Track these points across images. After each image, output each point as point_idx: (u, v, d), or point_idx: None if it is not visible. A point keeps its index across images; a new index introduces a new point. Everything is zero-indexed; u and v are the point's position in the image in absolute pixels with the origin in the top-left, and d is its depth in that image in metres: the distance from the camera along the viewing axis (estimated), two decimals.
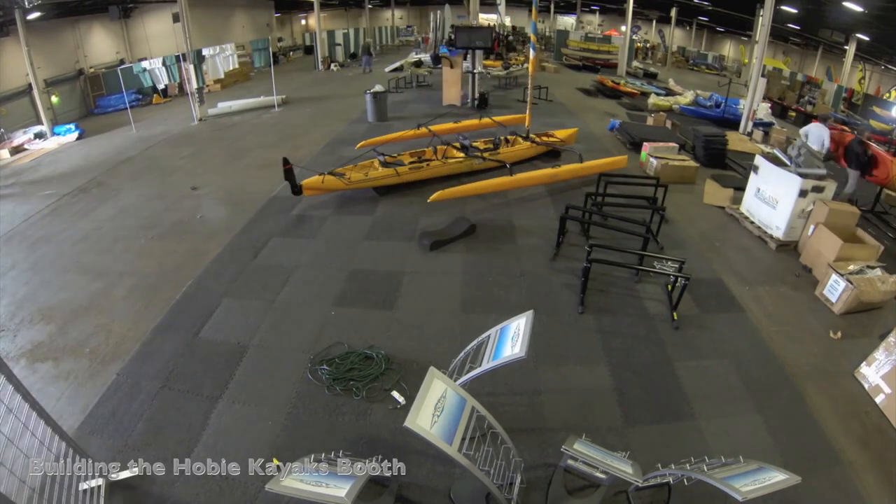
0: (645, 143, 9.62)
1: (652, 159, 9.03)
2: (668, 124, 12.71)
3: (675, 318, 5.02)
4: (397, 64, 19.38)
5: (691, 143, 10.58)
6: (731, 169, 9.89)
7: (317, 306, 5.20)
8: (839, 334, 4.97)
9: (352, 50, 25.75)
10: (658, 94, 16.79)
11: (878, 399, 4.13)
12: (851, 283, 5.15)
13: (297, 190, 7.09)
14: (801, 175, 6.41)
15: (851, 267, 5.38)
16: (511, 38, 24.82)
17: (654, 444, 3.68)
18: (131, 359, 4.56)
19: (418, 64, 18.75)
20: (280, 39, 28.55)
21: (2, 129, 12.58)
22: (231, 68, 15.48)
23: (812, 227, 6.18)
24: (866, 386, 4.29)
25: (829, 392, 4.27)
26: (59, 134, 12.90)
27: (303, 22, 33.10)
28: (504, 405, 3.96)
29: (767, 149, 11.02)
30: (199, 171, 9.57)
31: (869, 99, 20.01)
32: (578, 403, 4.07)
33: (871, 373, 4.29)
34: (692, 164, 9.06)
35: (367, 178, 7.65)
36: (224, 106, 14.66)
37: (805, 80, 22.25)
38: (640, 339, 4.81)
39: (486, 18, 21.37)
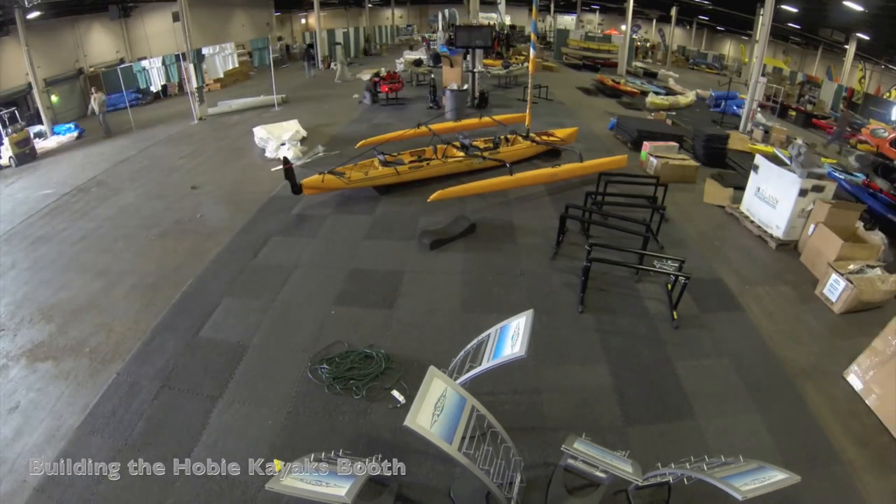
0: (645, 143, 9.61)
1: (652, 158, 9.02)
2: (669, 123, 12.71)
3: (675, 317, 5.02)
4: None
5: (691, 142, 10.57)
6: (731, 168, 9.88)
7: (317, 305, 5.20)
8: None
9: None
10: (657, 94, 16.78)
11: (869, 400, 4.14)
12: (851, 283, 5.15)
13: (296, 189, 7.09)
14: (801, 174, 6.40)
15: (851, 266, 5.38)
16: (507, 32, 24.78)
17: (654, 443, 3.68)
18: (131, 358, 4.57)
19: (418, 63, 18.81)
20: (280, 38, 28.51)
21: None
22: (231, 67, 15.45)
23: (812, 226, 6.18)
24: (857, 388, 4.29)
25: (828, 391, 4.27)
26: (58, 133, 12.88)
27: (303, 21, 33.05)
28: (504, 404, 3.96)
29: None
30: (199, 170, 9.57)
31: (869, 98, 19.99)
32: (578, 403, 4.08)
33: (860, 375, 4.30)
34: (692, 163, 9.06)
35: (367, 178, 7.65)
36: (224, 105, 14.65)
37: (805, 79, 22.26)
38: (640, 339, 4.81)
39: (485, 17, 21.33)
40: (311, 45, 24.66)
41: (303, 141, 10.88)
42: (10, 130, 10.76)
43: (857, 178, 8.31)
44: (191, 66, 13.26)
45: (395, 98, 14.69)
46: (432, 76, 14.22)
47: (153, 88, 14.15)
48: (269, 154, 10.07)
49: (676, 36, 32.91)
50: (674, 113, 14.52)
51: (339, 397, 4.06)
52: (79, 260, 6.38)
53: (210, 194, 8.28)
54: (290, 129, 10.97)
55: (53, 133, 12.92)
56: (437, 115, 11.41)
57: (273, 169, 9.07)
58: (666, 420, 3.92)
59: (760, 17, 17.37)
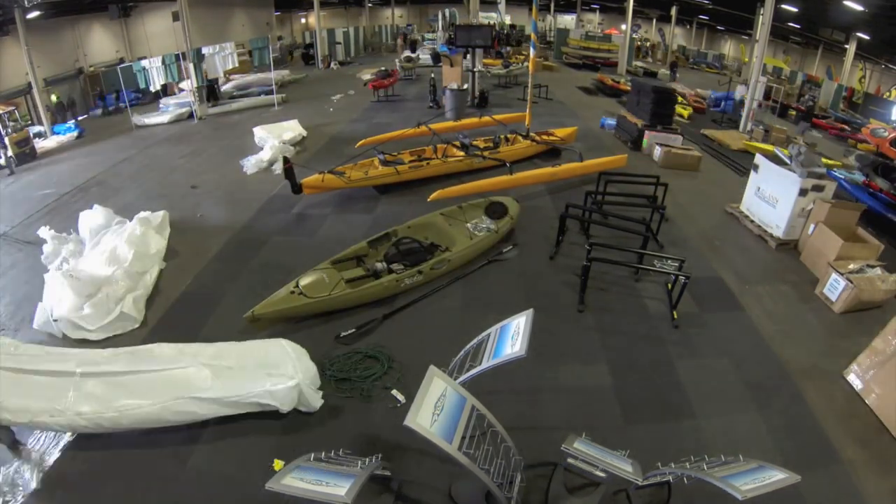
0: (647, 132, 9.73)
1: (657, 147, 9.13)
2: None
3: (675, 317, 5.02)
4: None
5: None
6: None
7: None
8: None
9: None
10: None
11: (869, 400, 4.14)
12: (851, 283, 5.15)
13: (297, 188, 7.09)
14: (801, 174, 6.40)
15: (851, 266, 5.38)
16: (507, 32, 24.91)
17: (654, 442, 3.69)
18: None
19: (408, 59, 19.28)
20: (280, 38, 28.53)
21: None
22: (231, 67, 15.46)
23: (812, 226, 6.18)
24: (857, 388, 4.29)
25: (828, 391, 4.28)
26: (58, 133, 12.88)
27: (303, 20, 33.07)
28: (504, 403, 3.96)
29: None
30: (199, 169, 9.57)
31: (869, 98, 19.99)
32: (578, 402, 4.08)
33: (860, 375, 4.30)
34: (695, 152, 9.19)
35: (367, 177, 7.65)
36: (223, 104, 14.67)
37: (805, 78, 22.25)
38: (640, 338, 4.81)
39: (485, 17, 21.38)
40: (310, 45, 24.69)
41: (302, 141, 10.89)
42: (9, 130, 10.75)
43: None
44: (191, 66, 13.26)
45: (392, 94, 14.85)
46: (433, 75, 14.22)
47: (153, 88, 14.17)
48: (247, 170, 9.24)
49: (676, 35, 32.91)
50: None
51: (338, 397, 4.06)
52: None
53: (210, 193, 8.29)
54: (291, 128, 10.96)
55: (53, 133, 12.92)
56: (437, 114, 11.41)
57: (249, 171, 9.12)
58: (666, 420, 3.92)
59: (760, 17, 17.37)
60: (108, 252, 5.56)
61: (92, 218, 6.49)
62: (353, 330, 4.72)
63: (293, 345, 4.10)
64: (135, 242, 5.76)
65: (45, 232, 6.20)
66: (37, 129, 12.78)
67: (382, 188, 7.90)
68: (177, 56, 13.71)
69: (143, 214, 6.41)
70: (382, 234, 5.97)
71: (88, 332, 4.74)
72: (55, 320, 4.75)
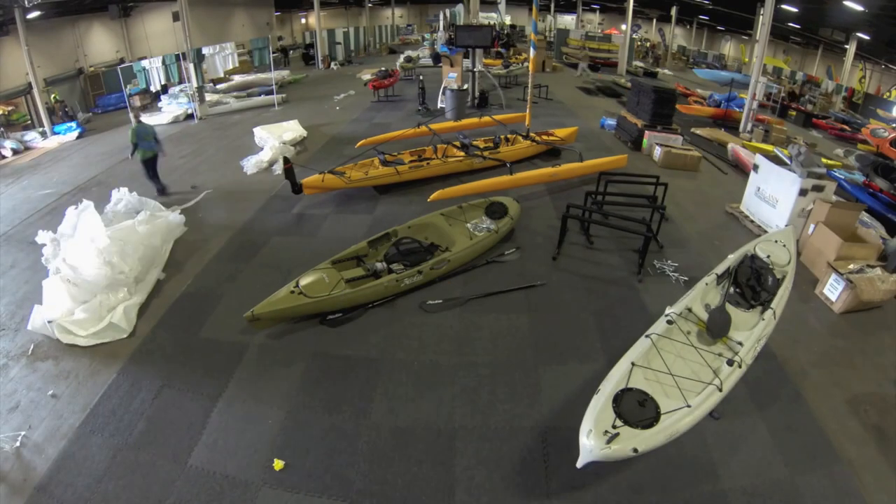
0: (647, 132, 9.77)
1: (656, 147, 9.14)
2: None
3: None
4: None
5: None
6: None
7: None
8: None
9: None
10: None
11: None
12: (851, 283, 5.15)
13: (297, 189, 7.09)
14: (801, 174, 6.40)
15: (851, 266, 5.38)
16: (508, 33, 24.94)
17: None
18: (131, 358, 4.57)
19: (409, 60, 19.38)
20: (280, 38, 28.54)
21: (1, 129, 12.59)
22: (231, 67, 15.48)
23: (812, 225, 6.18)
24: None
25: (828, 391, 4.27)
26: (59, 133, 12.89)
27: (303, 21, 33.10)
28: (505, 403, 3.97)
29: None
30: (200, 169, 9.57)
31: (869, 98, 19.99)
32: (578, 400, 4.06)
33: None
34: (695, 152, 9.20)
35: (367, 177, 7.65)
36: (223, 105, 14.68)
37: (805, 78, 22.26)
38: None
39: (485, 17, 21.40)
40: (310, 45, 24.69)
41: (302, 141, 10.90)
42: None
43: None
44: (191, 66, 13.27)
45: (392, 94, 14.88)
46: (421, 77, 14.13)
47: (153, 88, 14.19)
48: (247, 170, 9.27)
49: (676, 35, 32.92)
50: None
51: (338, 396, 4.06)
52: None
53: (210, 193, 8.28)
54: (291, 129, 10.96)
55: (54, 132, 12.93)
56: (436, 114, 11.40)
57: (249, 172, 9.15)
58: None
59: (760, 17, 17.38)
60: (108, 254, 5.53)
61: (93, 217, 6.45)
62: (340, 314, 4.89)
63: None
64: (135, 243, 5.74)
65: (43, 235, 6.11)
66: (31, 134, 12.54)
67: (382, 188, 7.90)
68: (177, 56, 13.72)
69: (143, 215, 6.40)
70: (382, 234, 5.97)
71: (79, 338, 4.70)
72: (49, 321, 4.74)
